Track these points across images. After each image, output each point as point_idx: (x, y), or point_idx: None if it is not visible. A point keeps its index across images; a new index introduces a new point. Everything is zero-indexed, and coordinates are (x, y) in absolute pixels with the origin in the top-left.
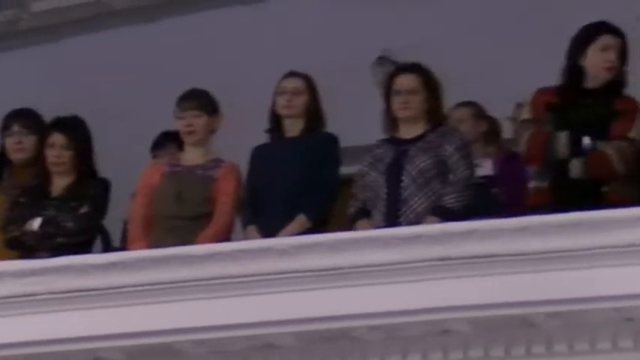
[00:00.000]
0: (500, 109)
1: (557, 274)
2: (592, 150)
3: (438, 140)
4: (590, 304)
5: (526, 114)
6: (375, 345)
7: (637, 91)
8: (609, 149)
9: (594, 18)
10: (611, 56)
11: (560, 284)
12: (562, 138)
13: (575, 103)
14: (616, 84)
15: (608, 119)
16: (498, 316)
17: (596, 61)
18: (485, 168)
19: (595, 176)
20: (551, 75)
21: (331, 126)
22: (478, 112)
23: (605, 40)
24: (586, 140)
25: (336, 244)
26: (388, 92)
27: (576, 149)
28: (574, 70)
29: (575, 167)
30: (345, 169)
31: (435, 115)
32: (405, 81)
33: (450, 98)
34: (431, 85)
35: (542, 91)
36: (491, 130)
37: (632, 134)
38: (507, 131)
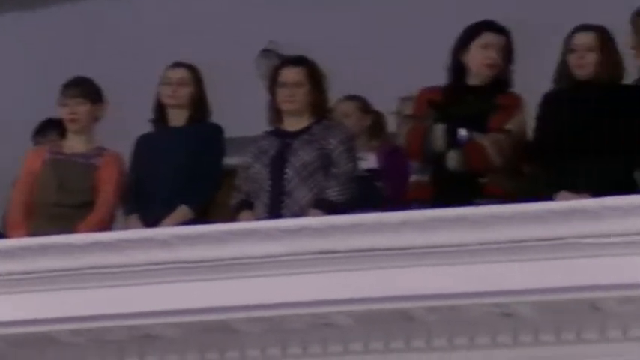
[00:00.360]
0: (385, 104)
1: (437, 269)
2: (468, 142)
3: (323, 133)
4: (470, 299)
5: (409, 111)
6: (254, 337)
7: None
8: (485, 140)
9: (478, 17)
10: (492, 53)
11: (441, 279)
12: (438, 131)
13: (457, 99)
14: (500, 81)
15: (488, 113)
16: (379, 309)
17: (478, 58)
18: (370, 162)
19: (472, 168)
20: (437, 70)
21: (216, 117)
22: (363, 106)
23: (487, 37)
24: (462, 132)
25: (219, 236)
26: (273, 84)
27: (453, 142)
28: (457, 68)
29: (452, 159)
30: (229, 160)
31: (319, 108)
32: (290, 74)
33: (335, 92)
34: (316, 78)
35: (427, 89)
36: (376, 124)
37: (509, 126)
38: (392, 125)
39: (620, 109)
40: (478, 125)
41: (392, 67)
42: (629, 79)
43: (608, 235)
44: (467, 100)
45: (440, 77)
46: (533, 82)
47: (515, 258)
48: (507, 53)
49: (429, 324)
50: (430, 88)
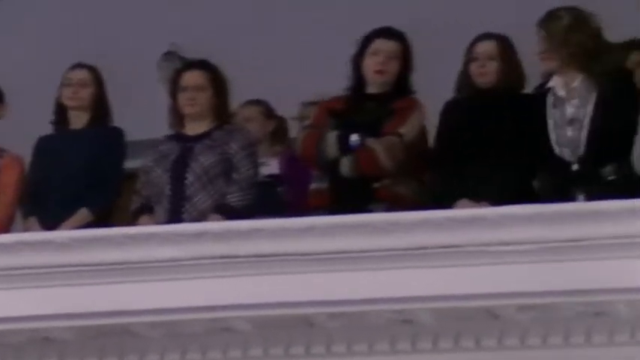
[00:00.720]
0: (288, 109)
1: (338, 275)
2: (360, 147)
3: (224, 138)
4: (370, 305)
5: (311, 116)
6: (154, 341)
7: None
8: (376, 145)
9: (382, 22)
10: (381, 59)
11: (341, 285)
12: (331, 137)
13: (357, 107)
14: (400, 88)
15: (384, 119)
16: (279, 315)
17: (369, 65)
18: (272, 167)
19: (365, 173)
20: (339, 76)
21: (118, 119)
22: (266, 110)
23: (376, 44)
24: (353, 137)
25: (117, 239)
26: (175, 88)
27: (345, 148)
28: (356, 76)
29: (345, 165)
30: (131, 163)
31: (221, 112)
32: (192, 77)
33: (238, 96)
34: (218, 83)
35: (330, 99)
36: (279, 130)
37: (402, 130)
38: (294, 131)
39: (521, 117)
40: (374, 131)
41: (295, 72)
42: (531, 86)
43: (508, 244)
44: (366, 107)
45: (342, 82)
46: (440, 89)
47: (416, 265)
48: (403, 59)
49: (329, 330)
50: (333, 98)
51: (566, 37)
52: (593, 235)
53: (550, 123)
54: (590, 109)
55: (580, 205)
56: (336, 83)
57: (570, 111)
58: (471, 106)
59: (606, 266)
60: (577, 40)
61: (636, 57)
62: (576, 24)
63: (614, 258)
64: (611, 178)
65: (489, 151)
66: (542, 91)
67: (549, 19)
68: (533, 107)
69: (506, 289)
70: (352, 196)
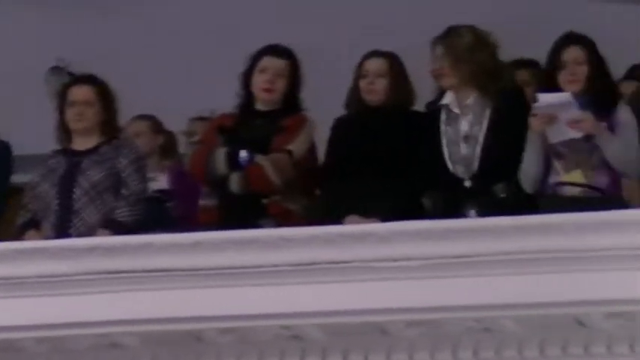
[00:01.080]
0: (177, 123)
1: (227, 290)
2: (249, 163)
3: (112, 153)
4: (260, 320)
5: (199, 131)
6: (41, 357)
7: None
8: (264, 161)
9: (267, 40)
10: (268, 77)
11: (231, 300)
12: (220, 154)
13: (246, 124)
14: (289, 105)
15: (272, 135)
16: (168, 330)
17: (257, 83)
18: (161, 182)
19: (254, 189)
20: (228, 93)
21: (6, 133)
22: (155, 125)
23: (265, 62)
24: (243, 154)
25: (3, 254)
26: (62, 103)
27: (234, 164)
28: (244, 93)
29: (234, 182)
30: (20, 178)
31: (109, 127)
32: (80, 92)
33: (127, 111)
34: (106, 98)
35: (221, 115)
36: (168, 144)
37: (291, 146)
38: (183, 146)
39: (409, 135)
40: (263, 147)
41: (183, 87)
42: (421, 103)
43: (397, 260)
44: (255, 124)
45: (232, 99)
46: (331, 106)
47: (305, 280)
48: (291, 77)
49: (218, 345)
50: (222, 115)
51: (469, 55)
52: (481, 252)
53: (443, 140)
54: (484, 126)
55: (468, 222)
56: (225, 99)
57: (465, 128)
58: (361, 123)
59: (494, 282)
60: (479, 58)
61: (523, 76)
62: (478, 42)
63: (502, 274)
64: (502, 195)
65: (379, 168)
66: (435, 108)
67: (450, 35)
68: (421, 124)
69: (395, 305)
70: (242, 212)
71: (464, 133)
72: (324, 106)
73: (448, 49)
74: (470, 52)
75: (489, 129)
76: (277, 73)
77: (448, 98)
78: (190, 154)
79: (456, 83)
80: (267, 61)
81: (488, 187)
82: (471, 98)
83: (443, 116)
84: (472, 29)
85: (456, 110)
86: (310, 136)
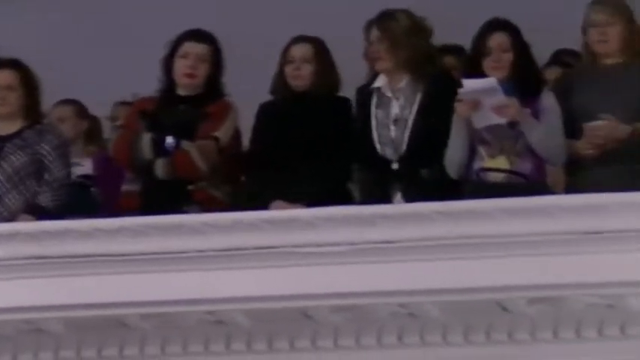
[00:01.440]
0: (102, 108)
1: (151, 276)
2: (175, 150)
3: (35, 138)
4: (184, 306)
5: (123, 116)
6: None
7: None
8: (191, 148)
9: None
10: (189, 62)
11: (155, 286)
12: (145, 139)
13: (169, 109)
14: (213, 90)
15: (197, 122)
16: (91, 315)
17: (178, 68)
18: (86, 167)
19: (180, 175)
20: (152, 77)
21: None
22: (79, 110)
23: (186, 47)
24: (169, 140)
25: None
26: None
27: (160, 150)
28: (166, 78)
29: (160, 167)
30: None
31: (32, 112)
32: (2, 77)
33: (51, 96)
34: (29, 82)
35: (142, 100)
36: (92, 130)
37: (218, 133)
38: (108, 131)
39: (335, 120)
40: (188, 133)
41: (108, 72)
42: (348, 90)
43: (321, 245)
44: (178, 109)
45: (156, 83)
46: (255, 91)
47: (229, 266)
48: (213, 62)
49: (142, 331)
50: (145, 99)
51: (406, 38)
52: (406, 237)
53: (373, 122)
54: (414, 109)
55: (393, 208)
56: (151, 83)
57: (395, 111)
58: (286, 108)
59: (418, 267)
60: (415, 42)
61: (449, 61)
62: (415, 26)
63: (426, 260)
64: (428, 179)
65: (305, 154)
66: (367, 91)
67: (386, 19)
68: (345, 110)
69: (319, 290)
70: (167, 198)
71: (394, 116)
72: (248, 92)
73: (385, 33)
74: (407, 36)
75: (419, 112)
76: (199, 59)
77: (380, 81)
78: (114, 139)
79: (390, 67)
80: (189, 47)
81: (415, 170)
82: (404, 82)
83: (374, 99)
84: (408, 13)
85: (388, 94)
86: (235, 123)
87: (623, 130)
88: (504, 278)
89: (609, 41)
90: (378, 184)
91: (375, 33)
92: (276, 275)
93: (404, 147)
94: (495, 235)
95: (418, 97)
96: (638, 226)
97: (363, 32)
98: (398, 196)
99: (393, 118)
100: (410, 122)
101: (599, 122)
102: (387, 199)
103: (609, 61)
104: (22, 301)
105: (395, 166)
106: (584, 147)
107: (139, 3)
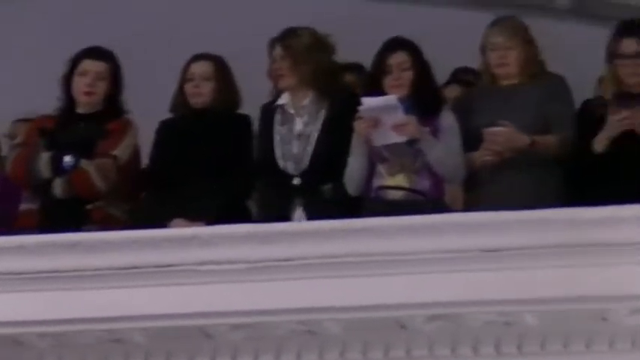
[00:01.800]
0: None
1: (47, 295)
2: (73, 168)
3: None
4: (81, 325)
5: (22, 134)
6: None
7: None
8: (89, 166)
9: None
10: (88, 80)
11: (52, 304)
12: (44, 158)
13: (68, 127)
14: (112, 108)
15: (97, 139)
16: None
17: (78, 86)
18: None
19: (79, 194)
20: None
21: None
22: None
23: (85, 65)
24: (67, 159)
25: None
26: None
27: (59, 169)
28: (65, 96)
29: (58, 186)
30: None
31: None
32: None
33: None
34: None
35: (42, 117)
36: None
37: (116, 151)
38: (5, 149)
39: (234, 137)
40: (87, 151)
41: (6, 89)
42: (247, 107)
43: (220, 263)
44: (77, 127)
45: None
46: (156, 109)
47: (127, 284)
48: (113, 79)
49: (39, 350)
50: (44, 117)
51: (308, 55)
52: (304, 255)
53: (276, 139)
54: (318, 125)
55: (291, 225)
56: (50, 101)
57: (299, 127)
58: (186, 126)
59: (318, 285)
60: (318, 59)
61: (349, 79)
62: (317, 43)
63: (325, 277)
64: (328, 196)
65: (205, 171)
66: (270, 109)
67: (289, 36)
68: (244, 127)
69: (218, 308)
70: (65, 217)
71: (297, 132)
72: (147, 109)
73: (287, 50)
74: (309, 52)
75: (323, 129)
76: (98, 77)
77: (284, 99)
78: (12, 157)
79: (294, 84)
80: (87, 64)
81: (316, 186)
82: (307, 99)
83: (278, 117)
84: (311, 30)
85: (292, 111)
86: (135, 140)
87: (522, 139)
88: (402, 296)
89: (510, 65)
90: (278, 199)
91: (277, 50)
92: (175, 293)
93: (306, 162)
94: (394, 252)
95: (322, 114)
96: (534, 243)
97: (267, 50)
98: (299, 211)
99: (296, 134)
100: (313, 138)
101: (498, 128)
102: (287, 215)
103: (507, 82)
104: None
105: (296, 181)
106: (483, 154)
107: (38, 19)
